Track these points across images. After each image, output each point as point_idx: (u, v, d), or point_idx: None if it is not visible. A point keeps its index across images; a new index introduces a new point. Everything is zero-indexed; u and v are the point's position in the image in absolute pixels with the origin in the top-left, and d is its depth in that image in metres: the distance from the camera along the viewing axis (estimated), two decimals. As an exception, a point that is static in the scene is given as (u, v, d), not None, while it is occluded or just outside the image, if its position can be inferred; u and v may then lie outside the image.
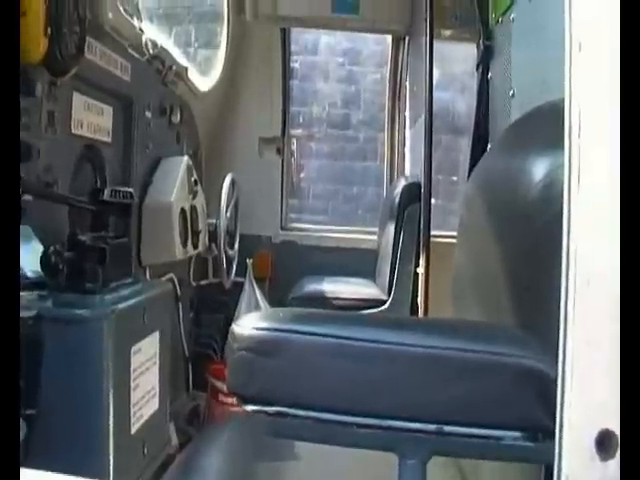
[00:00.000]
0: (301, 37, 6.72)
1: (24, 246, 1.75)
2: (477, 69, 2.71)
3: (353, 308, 3.73)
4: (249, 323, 0.92)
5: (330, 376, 0.82)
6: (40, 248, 1.74)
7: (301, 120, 7.29)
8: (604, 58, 0.64)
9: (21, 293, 1.60)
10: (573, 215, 0.64)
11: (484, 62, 2.64)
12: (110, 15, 2.41)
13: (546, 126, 1.16)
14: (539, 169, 1.09)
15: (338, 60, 7.54)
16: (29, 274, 1.70)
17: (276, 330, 0.88)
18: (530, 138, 1.26)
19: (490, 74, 2.62)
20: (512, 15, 2.25)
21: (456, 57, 5.64)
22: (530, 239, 1.06)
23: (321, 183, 7.29)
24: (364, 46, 7.09)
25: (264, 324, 0.91)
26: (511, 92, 2.24)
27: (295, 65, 7.24)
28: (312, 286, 3.93)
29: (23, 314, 1.52)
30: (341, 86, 7.57)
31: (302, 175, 7.22)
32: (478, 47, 2.71)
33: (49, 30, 1.84)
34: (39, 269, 1.70)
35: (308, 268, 4.22)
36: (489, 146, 2.55)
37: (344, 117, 7.47)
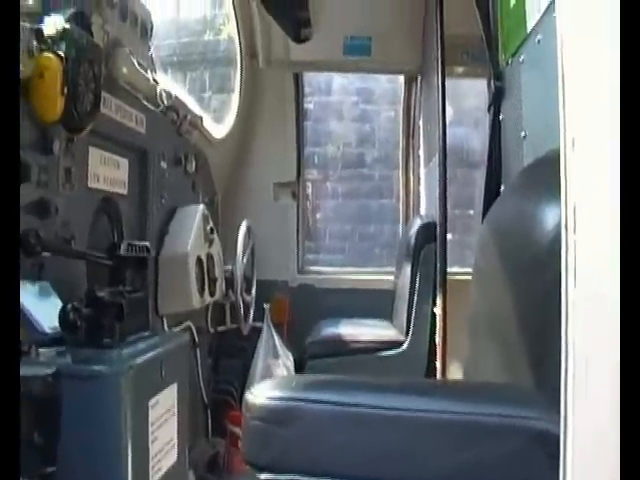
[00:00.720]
0: (314, 78, 6.78)
1: (43, 302, 1.77)
2: (488, 110, 2.72)
3: (371, 350, 3.73)
4: (262, 392, 0.92)
5: (342, 443, 0.82)
6: (59, 303, 1.76)
7: (316, 161, 7.35)
8: (598, 155, 0.64)
9: (40, 349, 1.62)
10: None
11: (495, 103, 2.64)
12: (124, 70, 2.46)
13: (557, 173, 1.17)
14: (550, 218, 1.10)
15: (352, 99, 7.61)
16: (48, 330, 1.72)
17: (288, 399, 0.88)
18: (542, 185, 1.27)
19: (502, 115, 2.62)
20: (522, 57, 2.25)
21: (469, 92, 5.67)
22: (541, 288, 1.06)
23: (338, 222, 7.30)
24: (377, 85, 7.15)
25: (277, 393, 0.91)
26: (523, 134, 2.23)
27: (309, 106, 7.31)
28: (329, 329, 3.93)
29: (42, 371, 1.53)
30: (355, 125, 7.62)
31: (318, 215, 7.25)
32: (489, 88, 2.72)
33: (65, 89, 1.89)
34: (57, 325, 1.71)
35: (325, 311, 4.22)
36: (502, 187, 2.55)
37: (359, 156, 7.51)
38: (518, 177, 1.70)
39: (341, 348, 3.78)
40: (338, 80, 7.31)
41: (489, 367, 1.35)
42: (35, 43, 1.78)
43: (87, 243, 2.19)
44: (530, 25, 2.05)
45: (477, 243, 1.64)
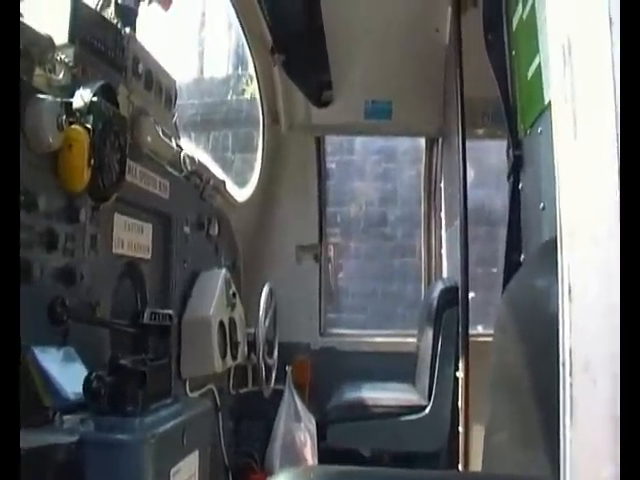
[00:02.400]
0: (337, 138, 6.89)
1: (67, 368, 1.79)
2: (508, 179, 2.72)
3: (392, 415, 3.70)
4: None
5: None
6: (83, 369, 1.78)
7: (338, 220, 7.41)
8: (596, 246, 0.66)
9: (64, 416, 1.63)
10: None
11: (514, 172, 2.64)
12: (149, 138, 2.52)
13: None
14: None
15: (374, 158, 7.71)
16: (72, 396, 1.72)
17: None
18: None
19: (521, 184, 2.61)
20: (539, 128, 2.24)
21: (491, 151, 5.71)
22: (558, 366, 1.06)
23: (360, 282, 7.32)
24: (399, 143, 7.24)
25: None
26: (541, 205, 2.21)
27: (331, 166, 7.41)
28: (351, 393, 3.90)
29: (65, 439, 1.54)
30: (377, 184, 7.70)
31: (341, 275, 7.26)
32: (508, 157, 2.72)
33: (92, 161, 1.94)
34: (81, 391, 1.72)
35: (347, 373, 4.20)
36: (522, 257, 2.53)
37: (381, 215, 7.57)
38: (537, 253, 1.71)
39: (362, 412, 3.75)
40: (360, 139, 7.42)
41: (508, 439, 1.34)
42: (64, 116, 1.83)
43: (111, 308, 2.21)
44: (547, 97, 2.04)
45: (496, 322, 1.65)
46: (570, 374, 0.68)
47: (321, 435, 3.68)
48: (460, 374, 3.16)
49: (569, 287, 0.68)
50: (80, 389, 1.71)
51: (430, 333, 3.78)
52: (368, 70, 4.39)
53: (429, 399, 3.68)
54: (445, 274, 4.47)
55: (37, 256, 1.77)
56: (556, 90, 0.77)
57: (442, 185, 4.67)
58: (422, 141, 5.08)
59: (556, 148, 0.77)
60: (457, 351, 3.34)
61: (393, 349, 4.41)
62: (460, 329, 3.22)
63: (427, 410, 3.67)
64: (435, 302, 3.79)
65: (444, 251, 4.56)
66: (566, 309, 0.69)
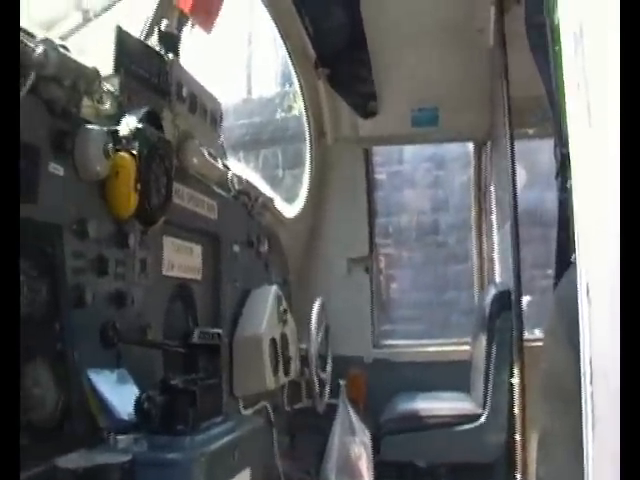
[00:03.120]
0: (385, 148, 6.88)
1: (121, 389, 1.83)
2: (556, 178, 2.68)
3: (447, 425, 3.66)
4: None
5: None
6: (136, 390, 1.82)
7: (390, 230, 7.39)
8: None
9: (118, 437, 1.67)
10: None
11: (562, 170, 2.60)
12: (195, 160, 2.57)
13: None
14: None
15: (424, 166, 7.67)
16: (125, 417, 1.77)
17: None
18: None
19: (569, 182, 2.58)
20: None
21: (543, 151, 5.62)
22: None
23: (414, 291, 7.27)
24: (449, 150, 7.19)
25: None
26: None
27: (381, 177, 7.40)
28: (405, 404, 3.88)
29: (119, 459, 1.58)
30: (429, 192, 7.66)
31: (394, 285, 7.23)
32: (555, 156, 2.68)
33: (139, 186, 1.99)
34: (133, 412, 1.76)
35: (401, 385, 4.17)
36: (573, 257, 2.49)
37: (433, 223, 7.52)
38: None
39: (417, 424, 3.73)
40: (409, 148, 7.39)
41: (563, 456, 1.32)
42: (111, 144, 1.89)
43: (162, 329, 2.26)
44: None
45: (546, 320, 1.62)
46: (591, 383, 0.67)
47: (375, 448, 3.66)
48: (515, 380, 3.12)
49: (587, 288, 0.68)
50: (132, 410, 1.76)
51: (484, 340, 3.73)
52: (412, 77, 4.37)
53: (484, 407, 3.63)
54: (498, 278, 4.41)
55: (89, 282, 1.82)
56: (568, 78, 0.77)
57: (492, 188, 4.61)
58: (471, 147, 5.03)
59: (571, 139, 0.76)
60: (512, 357, 3.29)
61: (447, 358, 4.37)
62: (514, 334, 3.18)
63: (482, 419, 3.63)
64: (488, 307, 3.75)
65: (496, 255, 4.51)
66: (585, 313, 0.69)
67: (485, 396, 3.64)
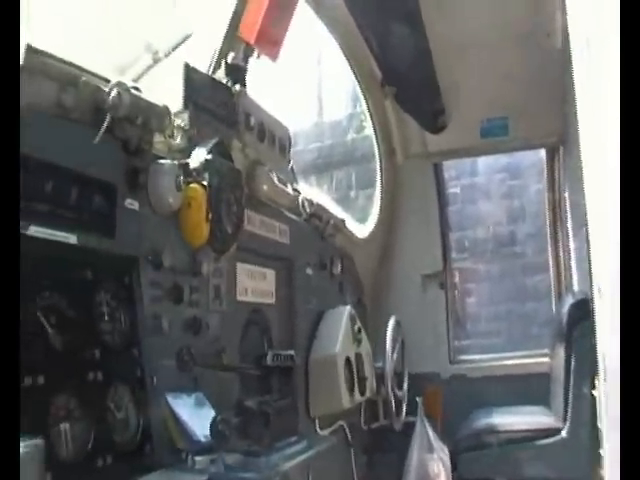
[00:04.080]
0: (459, 161, 6.85)
1: (198, 412, 1.91)
2: None
3: (526, 440, 3.58)
4: None
5: None
6: (212, 413, 1.89)
7: (466, 244, 7.33)
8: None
9: (196, 458, 1.73)
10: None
11: None
12: (265, 187, 2.64)
13: None
14: None
15: (498, 177, 7.58)
16: (202, 439, 1.83)
17: None
18: None
19: None
20: None
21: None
22: None
23: (492, 305, 7.17)
24: (523, 158, 7.09)
25: None
26: None
27: (455, 190, 7.36)
28: (483, 420, 3.83)
29: (195, 478, 1.65)
30: (504, 203, 7.56)
31: (472, 299, 7.15)
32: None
33: (210, 215, 2.08)
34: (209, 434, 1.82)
35: (479, 400, 4.12)
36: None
37: (510, 234, 7.41)
38: None
39: (495, 439, 3.67)
40: (483, 159, 7.33)
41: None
42: (182, 177, 1.97)
43: (238, 353, 2.32)
44: None
45: None
46: (605, 380, 0.68)
47: (453, 465, 3.62)
48: (597, 392, 3.03)
49: (599, 289, 0.69)
50: (209, 431, 1.82)
51: (562, 350, 3.64)
52: (480, 88, 4.33)
53: (565, 421, 3.54)
54: (576, 287, 4.31)
55: (165, 309, 1.91)
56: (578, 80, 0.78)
57: (567, 194, 4.52)
58: (543, 152, 4.94)
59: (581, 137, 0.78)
60: (593, 367, 3.20)
61: (526, 371, 4.28)
62: (594, 343, 3.09)
63: (563, 433, 3.54)
64: (565, 317, 3.66)
65: (573, 263, 4.41)
66: (598, 310, 0.70)
67: (565, 409, 3.54)
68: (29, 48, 1.50)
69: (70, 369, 1.52)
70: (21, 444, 1.15)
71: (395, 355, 3.56)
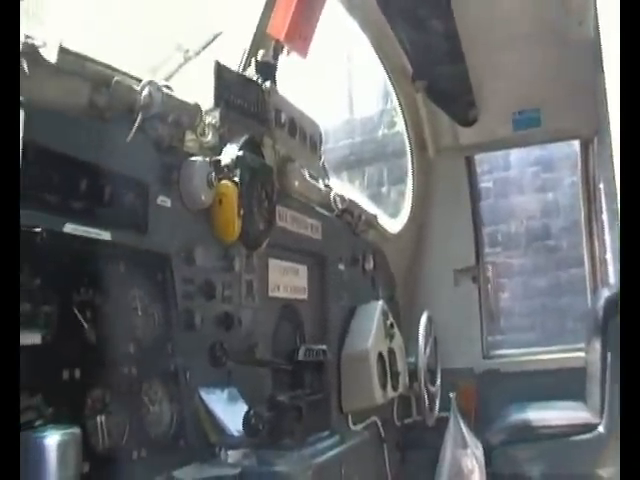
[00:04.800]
0: (491, 155, 6.80)
1: (231, 407, 1.93)
2: None
3: (562, 435, 3.54)
4: None
5: None
6: (245, 408, 1.90)
7: (499, 238, 7.27)
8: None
9: (228, 452, 1.76)
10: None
11: None
12: (296, 183, 2.65)
13: None
14: None
15: (531, 170, 7.51)
16: (235, 433, 1.85)
17: None
18: None
19: None
20: None
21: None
22: None
23: (526, 299, 7.11)
24: (556, 150, 7.01)
25: None
26: None
27: (488, 185, 7.32)
28: (517, 415, 3.80)
29: (229, 472, 1.67)
30: (538, 196, 7.49)
31: (506, 294, 7.09)
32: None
33: (241, 211, 2.09)
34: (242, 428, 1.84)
35: (513, 395, 4.08)
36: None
37: (543, 227, 7.34)
38: None
39: (530, 434, 3.64)
40: (516, 153, 7.27)
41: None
42: (213, 174, 1.99)
43: (271, 348, 2.34)
44: None
45: None
46: None
47: (487, 461, 3.60)
48: (635, 386, 2.98)
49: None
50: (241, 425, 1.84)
51: (598, 345, 3.59)
52: (511, 80, 4.28)
53: (601, 416, 3.50)
54: (612, 280, 4.25)
55: (198, 305, 1.93)
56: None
57: (602, 187, 4.45)
58: (577, 144, 4.87)
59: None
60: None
61: (561, 366, 4.22)
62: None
63: (600, 428, 3.50)
64: (601, 311, 3.61)
65: (609, 256, 4.34)
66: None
67: (602, 404, 3.50)
68: (61, 49, 1.52)
69: (105, 363, 1.55)
70: (59, 432, 1.19)
71: (428, 350, 3.55)
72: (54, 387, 1.38)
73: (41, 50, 1.41)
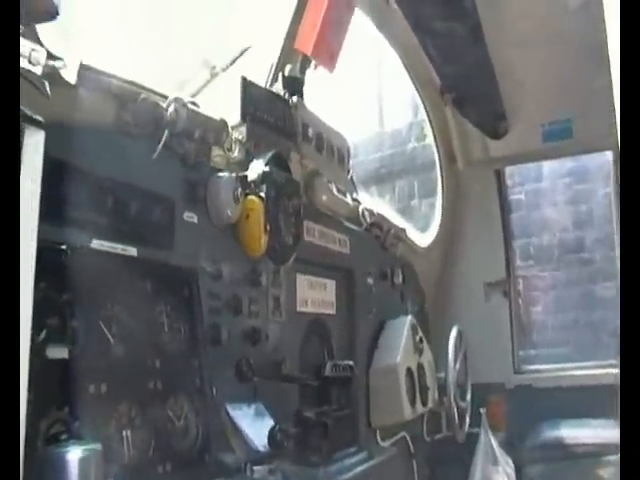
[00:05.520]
0: (522, 167, 6.73)
1: (257, 422, 1.92)
2: None
3: (595, 455, 3.47)
4: None
5: None
6: (272, 423, 1.90)
7: (532, 251, 7.19)
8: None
9: (254, 467, 1.75)
10: None
11: None
12: (324, 198, 2.65)
13: None
14: None
15: (564, 182, 7.42)
16: (261, 448, 1.85)
17: None
18: None
19: None
20: None
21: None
22: None
23: (559, 313, 7.01)
24: (589, 161, 6.92)
25: None
26: None
27: (520, 197, 7.24)
28: (549, 432, 3.74)
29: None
30: (571, 208, 7.39)
31: (538, 308, 7.00)
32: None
33: (268, 226, 2.10)
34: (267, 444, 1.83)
35: (545, 411, 4.00)
36: None
37: (577, 240, 7.24)
38: None
39: (562, 452, 3.57)
40: (548, 164, 7.17)
41: None
42: (239, 189, 2.00)
43: (298, 363, 2.33)
44: None
45: None
46: None
47: (518, 478, 3.54)
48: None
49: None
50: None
51: (633, 361, 3.52)
52: (541, 90, 4.22)
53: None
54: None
55: (224, 320, 1.94)
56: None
57: (638, 198, 4.35)
58: (610, 154, 4.78)
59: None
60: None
61: (595, 382, 4.13)
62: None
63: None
64: None
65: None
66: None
67: (638, 423, 3.42)
68: (87, 67, 1.54)
69: (131, 378, 1.56)
70: (81, 448, 1.20)
71: (458, 365, 3.50)
72: (81, 401, 1.39)
73: (62, 71, 1.42)
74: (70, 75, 1.45)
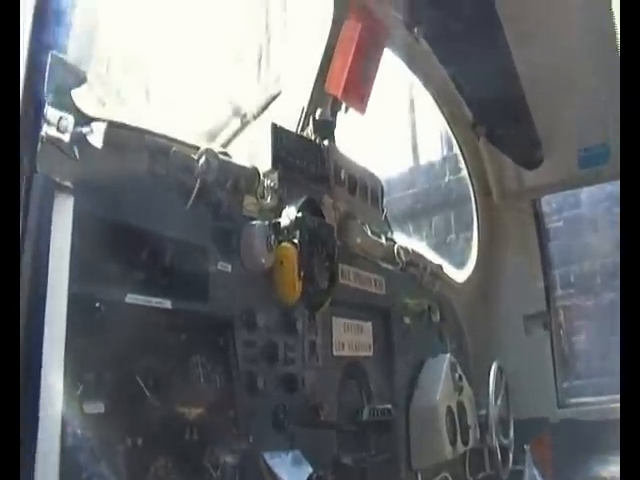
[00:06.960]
0: (559, 194, 6.64)
1: (295, 469, 1.91)
2: None
3: (646, 492, 3.36)
4: None
5: None
6: (309, 470, 1.89)
7: (572, 279, 7.06)
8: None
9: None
10: None
11: None
12: (358, 240, 2.65)
13: None
14: None
15: (604, 206, 7.30)
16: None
17: None
18: None
19: None
20: None
21: None
22: None
23: (604, 341, 6.85)
24: (629, 183, 6.80)
25: None
26: None
27: (558, 224, 7.14)
28: (598, 468, 3.63)
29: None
30: (611, 233, 7.26)
31: (582, 337, 6.86)
32: None
33: (302, 273, 2.10)
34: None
35: (593, 446, 3.89)
36: None
37: (619, 264, 7.09)
38: None
39: (612, 491, 3.47)
40: (586, 189, 7.06)
41: None
42: (273, 236, 2.02)
43: (336, 408, 2.32)
44: None
45: None
46: None
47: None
48: None
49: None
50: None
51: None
52: (575, 115, 4.16)
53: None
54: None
55: (260, 368, 1.94)
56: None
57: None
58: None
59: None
60: None
61: None
62: None
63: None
64: None
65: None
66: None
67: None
68: (120, 124, 1.58)
69: (167, 430, 1.57)
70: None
71: (499, 401, 3.45)
72: (117, 454, 1.40)
73: (89, 137, 1.45)
74: (97, 138, 1.48)
